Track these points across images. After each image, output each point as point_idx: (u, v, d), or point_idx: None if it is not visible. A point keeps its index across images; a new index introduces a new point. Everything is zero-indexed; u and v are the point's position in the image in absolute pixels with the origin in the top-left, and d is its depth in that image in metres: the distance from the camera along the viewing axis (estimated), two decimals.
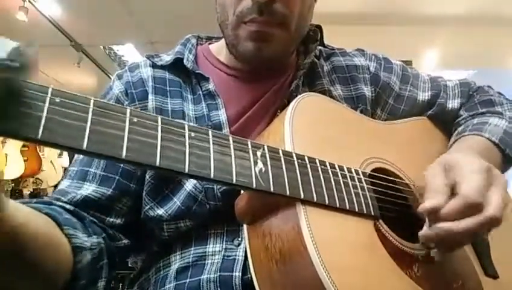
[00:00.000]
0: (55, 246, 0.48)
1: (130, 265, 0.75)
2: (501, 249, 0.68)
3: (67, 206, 0.58)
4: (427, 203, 0.53)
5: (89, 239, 0.55)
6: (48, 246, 0.46)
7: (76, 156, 0.69)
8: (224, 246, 0.61)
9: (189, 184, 0.63)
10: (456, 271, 0.61)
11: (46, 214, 0.50)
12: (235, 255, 0.60)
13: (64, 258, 0.49)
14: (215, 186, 0.62)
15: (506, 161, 0.74)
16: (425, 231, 0.53)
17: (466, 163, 0.56)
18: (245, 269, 0.57)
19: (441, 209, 0.52)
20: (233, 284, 0.57)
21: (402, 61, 0.88)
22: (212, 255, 0.61)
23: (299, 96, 0.61)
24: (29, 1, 3.37)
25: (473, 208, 0.52)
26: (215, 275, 0.58)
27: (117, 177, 0.64)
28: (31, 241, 0.43)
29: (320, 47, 0.81)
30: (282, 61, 0.73)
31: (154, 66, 0.74)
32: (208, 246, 0.62)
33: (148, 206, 0.65)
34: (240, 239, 0.61)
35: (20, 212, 0.43)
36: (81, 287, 0.52)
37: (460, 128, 0.78)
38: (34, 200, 0.56)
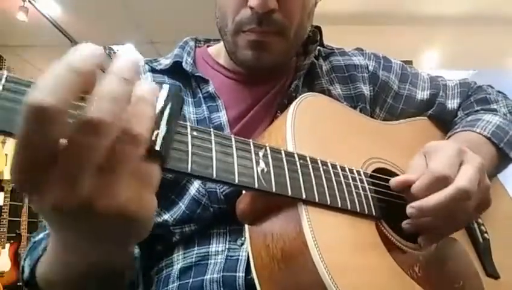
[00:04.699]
0: None
1: None
2: (502, 249, 0.68)
3: None
4: (397, 178, 0.56)
5: None
6: None
7: None
8: (227, 246, 0.61)
9: (193, 188, 0.63)
10: (457, 271, 0.61)
11: None
12: (238, 255, 0.60)
13: None
14: (218, 190, 0.62)
15: (501, 157, 0.73)
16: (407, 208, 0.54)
17: (441, 146, 0.58)
18: (248, 269, 0.57)
19: (412, 186, 0.54)
20: (237, 284, 0.57)
21: (402, 61, 0.88)
22: (215, 255, 0.61)
23: (300, 96, 0.61)
24: (29, 1, 3.37)
25: (441, 181, 0.52)
26: (219, 275, 0.58)
27: None
28: None
29: (319, 47, 0.81)
30: (281, 66, 0.73)
31: (153, 70, 0.74)
32: (210, 246, 0.62)
33: (155, 212, 0.64)
34: (243, 239, 0.61)
35: None
36: None
37: (455, 127, 0.79)
38: None
